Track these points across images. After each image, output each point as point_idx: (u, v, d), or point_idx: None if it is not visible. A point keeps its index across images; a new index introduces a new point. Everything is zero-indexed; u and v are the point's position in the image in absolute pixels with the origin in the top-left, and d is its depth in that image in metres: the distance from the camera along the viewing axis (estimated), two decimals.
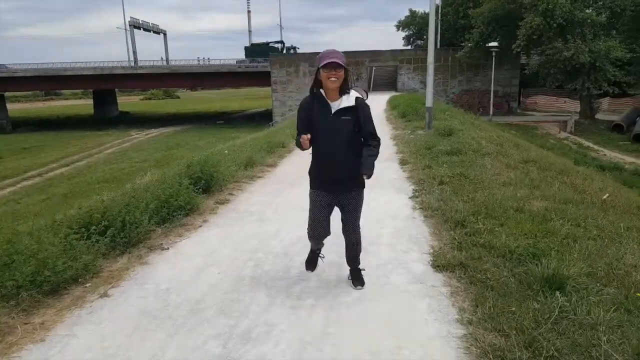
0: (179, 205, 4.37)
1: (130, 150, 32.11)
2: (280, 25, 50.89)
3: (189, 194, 4.50)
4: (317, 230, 3.07)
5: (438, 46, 43.54)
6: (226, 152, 8.07)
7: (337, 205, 3.07)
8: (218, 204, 4.89)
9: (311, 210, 3.07)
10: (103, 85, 45.47)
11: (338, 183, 2.99)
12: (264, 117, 42.36)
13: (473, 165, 6.55)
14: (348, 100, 2.84)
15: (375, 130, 2.98)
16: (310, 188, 3.11)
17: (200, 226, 4.35)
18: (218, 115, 53.45)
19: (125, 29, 49.32)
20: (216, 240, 4.02)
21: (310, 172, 3.15)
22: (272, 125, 31.46)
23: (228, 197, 5.16)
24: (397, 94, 32.13)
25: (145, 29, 50.78)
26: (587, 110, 34.06)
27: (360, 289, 3.10)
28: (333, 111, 2.83)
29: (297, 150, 7.24)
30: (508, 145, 9.19)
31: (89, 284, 3.15)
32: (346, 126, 2.84)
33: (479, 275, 3.08)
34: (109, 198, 4.11)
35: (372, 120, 2.96)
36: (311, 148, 2.97)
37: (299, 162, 7.24)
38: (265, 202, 4.97)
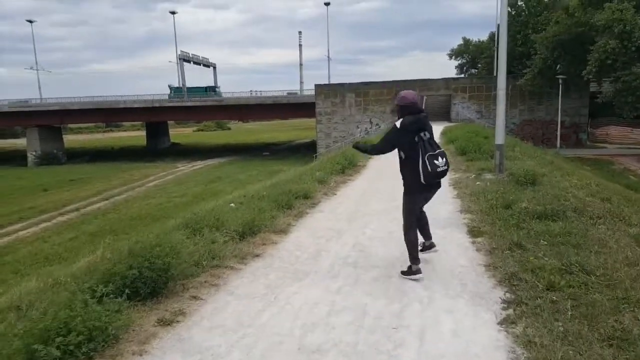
0: (76, 342, 2.39)
1: (171, 183, 31.49)
2: (329, 57, 50.02)
3: (97, 315, 2.51)
4: None
5: (495, 74, 40.97)
6: (232, 205, 6.20)
7: None
8: (161, 324, 2.79)
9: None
10: (153, 117, 46.23)
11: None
12: (310, 149, 41.03)
13: (587, 242, 4.20)
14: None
15: (377, 143, 4.15)
16: None
17: None
18: (265, 147, 53.04)
19: (177, 63, 50.36)
20: None
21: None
22: (315, 157, 29.85)
23: (186, 306, 3.05)
24: (452, 124, 29.62)
25: (195, 62, 51.66)
26: None
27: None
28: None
29: (321, 208, 6.20)
30: (617, 199, 6.65)
31: None
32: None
33: None
34: None
35: (385, 135, 4.08)
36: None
37: (318, 228, 5.18)
38: (244, 319, 2.85)
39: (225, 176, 32.50)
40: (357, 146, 4.38)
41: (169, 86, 49.33)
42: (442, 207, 6.28)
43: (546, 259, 3.73)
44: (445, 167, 3.85)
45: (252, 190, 7.21)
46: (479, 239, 4.57)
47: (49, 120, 43.68)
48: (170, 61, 58.20)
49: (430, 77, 36.90)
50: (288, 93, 46.57)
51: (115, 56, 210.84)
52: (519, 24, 40.32)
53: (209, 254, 3.90)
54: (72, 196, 27.04)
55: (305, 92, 46.92)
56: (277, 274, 3.68)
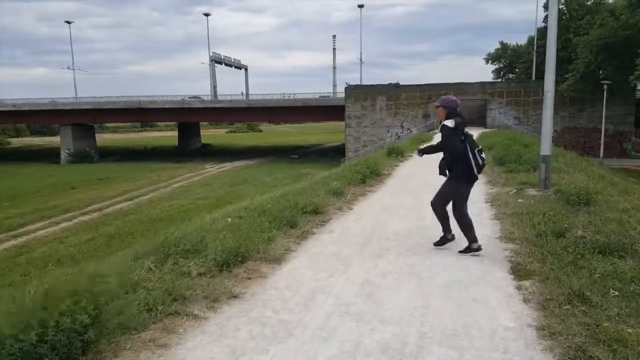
0: None
1: (196, 184, 31.23)
2: (361, 60, 49.00)
3: None
4: None
5: (534, 78, 38.93)
6: (229, 219, 5.37)
7: None
8: None
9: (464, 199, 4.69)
10: (183, 118, 46.47)
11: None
12: (338, 152, 40.14)
13: None
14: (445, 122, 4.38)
15: (436, 144, 4.66)
16: None
17: None
18: (293, 149, 52.56)
19: (209, 65, 50.52)
20: None
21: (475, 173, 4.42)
22: (344, 161, 28.95)
23: None
24: (487, 130, 28.05)
25: (227, 64, 51.73)
26: None
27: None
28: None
29: (331, 227, 5.35)
30: None
31: None
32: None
33: None
34: None
35: (445, 136, 4.36)
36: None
37: (322, 256, 4.24)
38: None
39: (250, 179, 31.99)
40: (426, 150, 4.87)
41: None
42: (478, 230, 5.22)
43: (626, 325, 2.66)
44: (486, 162, 4.52)
45: (257, 201, 6.33)
46: (527, 283, 3.50)
47: (82, 119, 44.55)
48: (202, 63, 58.76)
49: (465, 81, 35.30)
50: (320, 96, 45.91)
51: (153, 58, 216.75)
52: (560, 27, 38.31)
53: (170, 294, 3.02)
54: (97, 195, 27.09)
55: (338, 95, 46.11)
56: (251, 328, 2.74)
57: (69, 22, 52.78)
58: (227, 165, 41.20)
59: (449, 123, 4.27)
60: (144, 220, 20.52)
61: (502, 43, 55.48)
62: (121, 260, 3.75)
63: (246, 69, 56.64)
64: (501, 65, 56.82)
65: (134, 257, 3.91)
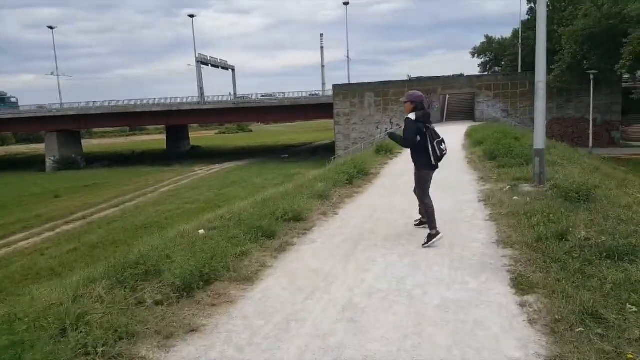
0: None
1: (184, 188, 30.60)
2: (348, 57, 48.53)
3: None
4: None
5: (520, 70, 38.82)
6: (202, 231, 4.94)
7: None
8: None
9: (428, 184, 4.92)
10: (171, 120, 45.72)
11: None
12: (328, 150, 39.75)
13: None
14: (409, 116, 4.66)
15: (404, 136, 4.69)
16: None
17: None
18: (284, 149, 52.10)
19: (197, 66, 49.67)
20: None
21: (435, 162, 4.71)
22: (333, 159, 28.56)
23: None
24: (476, 124, 27.79)
25: (213, 65, 50.93)
26: None
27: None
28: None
29: (313, 235, 4.95)
30: None
31: None
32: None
33: None
34: None
35: (406, 129, 4.66)
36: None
37: (300, 272, 3.79)
38: None
39: (240, 180, 31.45)
40: (392, 135, 5.00)
41: None
42: (471, 233, 4.79)
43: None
44: (446, 152, 4.76)
45: (235, 208, 5.86)
46: (531, 299, 3.07)
47: (67, 125, 43.61)
48: (189, 64, 57.68)
49: (453, 75, 35.01)
50: (310, 94, 45.47)
51: (141, 61, 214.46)
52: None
53: (116, 330, 2.55)
54: (82, 203, 26.37)
55: (327, 93, 45.69)
56: None
57: (51, 28, 51.73)
58: (217, 167, 40.60)
59: (412, 116, 4.60)
60: (129, 227, 19.91)
61: (487, 37, 55.51)
62: (70, 286, 3.28)
63: (233, 70, 55.92)
64: (487, 58, 56.85)
65: (86, 281, 3.44)
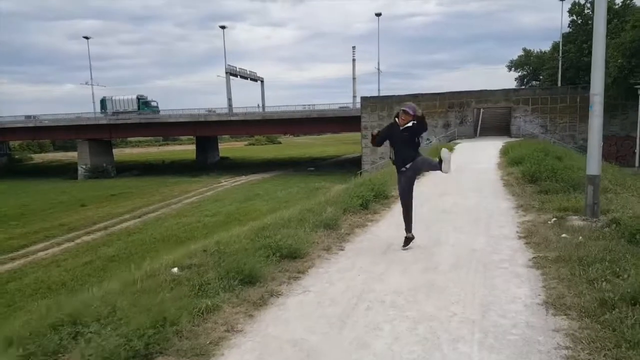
0: None
1: (208, 200, 30.26)
2: (378, 69, 47.61)
3: None
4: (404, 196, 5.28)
5: (559, 84, 36.84)
6: (175, 270, 4.11)
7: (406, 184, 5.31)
8: None
9: (399, 190, 5.37)
10: (199, 131, 45.91)
11: (405, 163, 5.23)
12: (355, 164, 38.76)
13: None
14: (408, 124, 5.12)
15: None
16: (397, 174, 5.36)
17: None
18: (311, 161, 51.52)
19: (226, 77, 49.93)
20: None
21: (394, 162, 5.40)
22: (360, 174, 27.57)
23: None
24: (512, 140, 26.17)
25: (242, 76, 51.05)
26: None
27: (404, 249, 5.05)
28: (401, 129, 5.16)
29: (306, 282, 4.14)
30: None
31: None
32: (407, 135, 5.16)
33: None
34: None
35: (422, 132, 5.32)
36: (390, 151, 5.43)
37: (277, 343, 2.84)
38: None
39: (264, 193, 30.86)
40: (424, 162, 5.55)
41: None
42: (509, 287, 3.73)
43: None
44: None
45: (224, 239, 5.00)
46: None
47: (99, 134, 44.47)
48: (218, 76, 58.12)
49: (488, 88, 33.46)
50: (340, 107, 44.74)
51: (177, 73, 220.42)
52: (586, 32, 36.63)
53: None
54: (106, 213, 26.36)
55: (358, 106, 44.95)
56: None
57: (87, 38, 53.23)
58: (243, 179, 40.26)
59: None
60: (147, 240, 19.53)
61: (525, 50, 53.86)
62: None
63: (262, 81, 55.95)
64: (525, 72, 55.03)
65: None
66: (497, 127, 33.98)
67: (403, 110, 5.12)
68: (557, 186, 8.02)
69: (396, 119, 5.21)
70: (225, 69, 47.74)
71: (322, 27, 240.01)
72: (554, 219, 5.92)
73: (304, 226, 5.41)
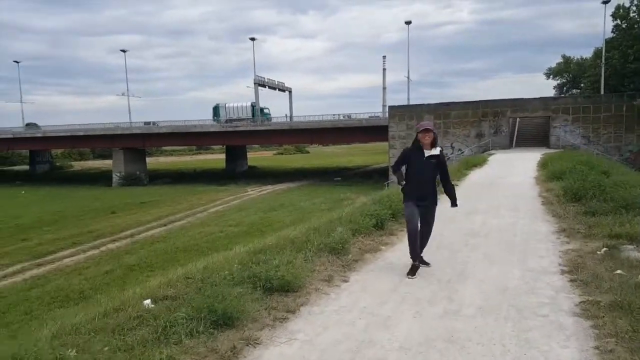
0: None
1: (232, 209, 30.08)
2: (408, 78, 46.57)
3: None
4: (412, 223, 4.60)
5: (602, 92, 34.79)
6: (148, 302, 3.52)
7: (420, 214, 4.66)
8: None
9: (408, 214, 4.70)
10: (227, 140, 46.22)
11: (424, 199, 4.67)
12: (383, 175, 37.87)
13: None
14: (435, 151, 4.58)
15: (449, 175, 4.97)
16: (405, 201, 4.76)
17: None
18: (338, 171, 50.92)
19: (254, 88, 50.16)
20: None
21: (404, 191, 4.74)
22: (387, 185, 26.75)
23: None
24: (551, 151, 24.68)
25: (270, 87, 51.16)
26: None
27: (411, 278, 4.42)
28: (426, 155, 4.57)
29: (294, 325, 3.58)
30: None
31: None
32: (432, 165, 4.60)
33: None
34: None
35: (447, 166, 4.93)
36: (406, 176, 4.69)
37: None
38: None
39: (288, 203, 30.45)
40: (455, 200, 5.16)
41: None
42: (551, 343, 2.92)
43: None
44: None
45: (214, 263, 4.41)
46: None
47: (133, 143, 45.45)
48: (247, 86, 59.15)
49: (524, 97, 31.92)
50: (370, 116, 44.04)
51: (211, 84, 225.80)
52: (631, 37, 34.52)
53: None
54: (134, 220, 26.54)
55: (387, 115, 44.09)
56: None
57: (124, 51, 54.81)
58: (269, 188, 40.07)
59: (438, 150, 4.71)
60: (169, 250, 19.32)
61: (564, 57, 51.45)
62: None
63: (290, 92, 55.93)
64: (564, 80, 52.64)
65: None
66: (534, 137, 32.34)
67: (424, 129, 4.53)
68: (606, 206, 7.02)
69: (418, 142, 4.55)
70: (254, 79, 47.93)
71: (352, 37, 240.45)
72: (605, 248, 5.01)
73: (305, 250, 4.73)
